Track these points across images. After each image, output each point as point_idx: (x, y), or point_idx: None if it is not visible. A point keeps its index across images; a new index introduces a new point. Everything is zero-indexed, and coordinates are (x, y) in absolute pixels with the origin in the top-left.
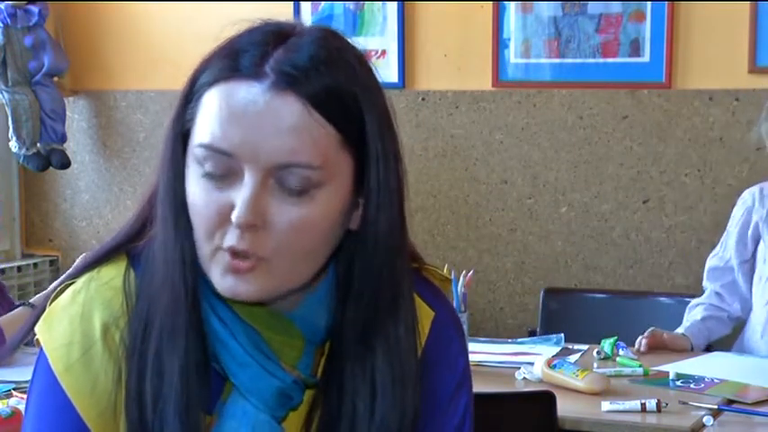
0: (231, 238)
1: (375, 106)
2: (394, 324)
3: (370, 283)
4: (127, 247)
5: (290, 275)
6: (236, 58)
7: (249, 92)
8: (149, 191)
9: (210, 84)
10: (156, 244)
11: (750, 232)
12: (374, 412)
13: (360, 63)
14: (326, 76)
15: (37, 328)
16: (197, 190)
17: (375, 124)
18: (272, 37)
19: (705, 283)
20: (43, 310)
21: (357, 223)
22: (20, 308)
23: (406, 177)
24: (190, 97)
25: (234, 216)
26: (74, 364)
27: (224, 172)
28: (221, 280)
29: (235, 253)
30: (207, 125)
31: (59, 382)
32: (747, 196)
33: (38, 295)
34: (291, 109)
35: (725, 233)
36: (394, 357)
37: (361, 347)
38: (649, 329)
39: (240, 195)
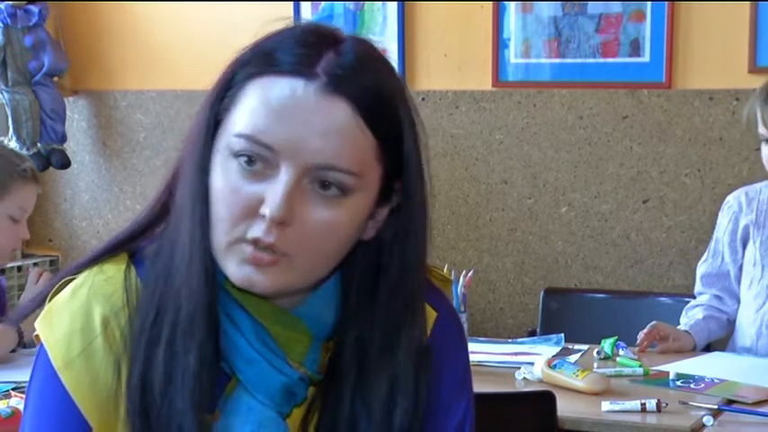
0: (258, 230)
1: (412, 122)
2: (408, 329)
3: (397, 292)
4: (129, 245)
5: (306, 275)
6: (284, 56)
7: (299, 90)
8: (162, 186)
9: (254, 75)
10: (170, 233)
11: (739, 236)
12: (379, 413)
13: (398, 77)
14: (375, 83)
15: (37, 324)
16: (225, 180)
17: (411, 135)
18: (319, 38)
19: (700, 289)
20: (43, 300)
21: (371, 234)
22: (2, 324)
23: (432, 191)
24: (229, 86)
25: (266, 210)
26: (74, 358)
27: (257, 165)
28: (238, 269)
29: (258, 245)
30: (249, 117)
31: (59, 376)
32: (733, 201)
33: (13, 312)
34: (341, 112)
35: (713, 240)
36: (403, 361)
37: (372, 349)
38: (651, 323)
39: (273, 189)
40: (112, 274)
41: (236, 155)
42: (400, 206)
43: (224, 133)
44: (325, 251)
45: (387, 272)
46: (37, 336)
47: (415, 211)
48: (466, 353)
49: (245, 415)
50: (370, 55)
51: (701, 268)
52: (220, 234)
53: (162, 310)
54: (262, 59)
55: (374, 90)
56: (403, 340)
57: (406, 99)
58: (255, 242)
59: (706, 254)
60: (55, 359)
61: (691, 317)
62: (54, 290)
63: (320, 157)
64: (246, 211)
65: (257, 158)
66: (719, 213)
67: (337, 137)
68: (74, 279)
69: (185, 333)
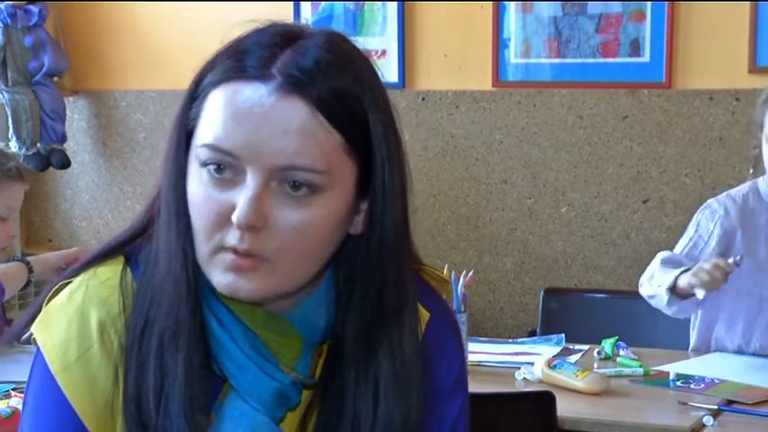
0: (232, 239)
1: (380, 111)
2: (398, 326)
3: (375, 286)
4: (125, 248)
5: (290, 277)
6: (243, 59)
7: (255, 93)
8: (155, 191)
9: (216, 83)
10: (157, 243)
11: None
12: (377, 413)
13: (366, 67)
14: (333, 80)
15: (33, 327)
16: (198, 190)
17: (380, 129)
18: (279, 39)
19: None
20: (40, 307)
21: (359, 228)
22: (15, 262)
23: (411, 181)
24: (195, 96)
25: (234, 216)
26: (72, 363)
27: (226, 173)
28: (221, 277)
29: (236, 252)
30: (211, 125)
31: (57, 381)
32: (717, 207)
33: (33, 257)
34: (297, 112)
35: (691, 241)
36: (397, 360)
37: (365, 350)
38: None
39: (242, 196)
40: (108, 277)
41: (204, 164)
42: (373, 197)
43: (194, 143)
44: (305, 251)
45: (365, 264)
46: (34, 338)
47: (387, 201)
48: (461, 354)
49: (238, 420)
50: (330, 49)
51: (664, 254)
52: (201, 244)
53: (150, 319)
54: (223, 65)
55: (333, 85)
56: (394, 337)
57: (373, 89)
58: (233, 250)
59: (679, 247)
60: (52, 364)
61: (663, 275)
62: (51, 293)
63: (282, 158)
64: (220, 220)
65: (225, 166)
66: (702, 217)
67: (297, 136)
68: (70, 282)
69: (172, 342)
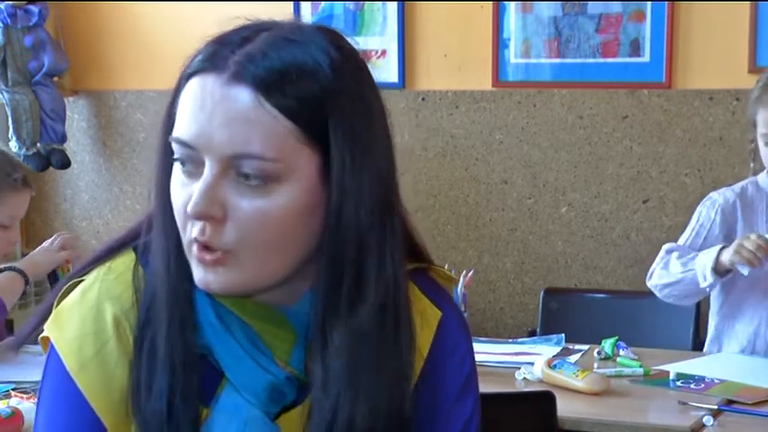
0: (195, 231)
1: (341, 100)
2: (384, 310)
3: (334, 273)
4: (134, 243)
5: (258, 269)
6: (211, 54)
7: (209, 84)
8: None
9: (187, 78)
10: (152, 239)
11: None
12: (340, 404)
13: (333, 58)
14: (283, 70)
15: (46, 327)
16: (174, 185)
17: (340, 119)
18: (250, 33)
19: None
20: (50, 308)
21: None
22: (8, 272)
23: (389, 173)
24: (176, 92)
25: (188, 206)
26: (88, 361)
27: (191, 165)
28: (196, 272)
29: (201, 245)
30: (179, 119)
31: (73, 379)
32: (718, 197)
33: (23, 259)
34: (243, 99)
35: (693, 231)
36: (354, 345)
37: (323, 334)
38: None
39: (197, 186)
40: (121, 272)
41: (175, 159)
42: (330, 188)
43: None
44: (269, 242)
45: (328, 252)
46: (43, 338)
47: (346, 194)
48: (472, 353)
49: (232, 413)
50: (288, 39)
51: (670, 245)
52: (182, 238)
53: (150, 311)
54: (197, 61)
55: (282, 74)
56: (354, 327)
57: (335, 78)
58: (196, 242)
59: (683, 239)
60: (68, 361)
61: (684, 260)
62: (61, 293)
63: (232, 147)
64: (187, 212)
65: (188, 158)
66: (703, 209)
67: (243, 125)
68: (81, 281)
69: (161, 334)
